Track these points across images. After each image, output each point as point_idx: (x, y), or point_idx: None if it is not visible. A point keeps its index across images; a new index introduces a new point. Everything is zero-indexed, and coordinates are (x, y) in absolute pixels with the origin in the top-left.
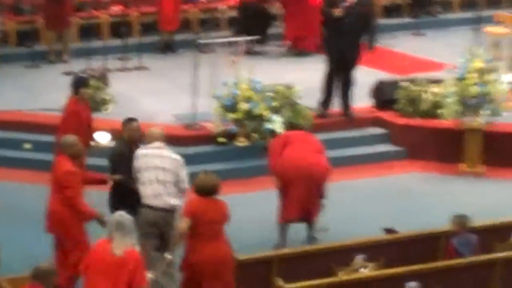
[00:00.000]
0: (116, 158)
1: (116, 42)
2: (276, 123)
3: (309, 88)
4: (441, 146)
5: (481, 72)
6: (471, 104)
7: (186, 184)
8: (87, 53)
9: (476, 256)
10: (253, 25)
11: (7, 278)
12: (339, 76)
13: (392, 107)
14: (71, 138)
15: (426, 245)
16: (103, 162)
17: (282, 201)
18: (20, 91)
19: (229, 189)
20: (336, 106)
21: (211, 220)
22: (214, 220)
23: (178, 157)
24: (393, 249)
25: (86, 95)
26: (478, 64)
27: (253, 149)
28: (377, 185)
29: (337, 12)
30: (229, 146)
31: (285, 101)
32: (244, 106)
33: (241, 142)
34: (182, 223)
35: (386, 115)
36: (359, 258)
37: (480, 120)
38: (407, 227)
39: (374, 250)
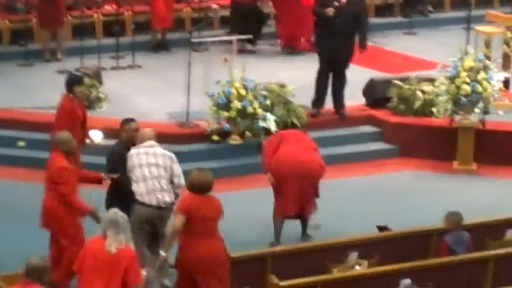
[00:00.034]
0: (114, 159)
1: (110, 40)
2: (269, 122)
3: (302, 86)
4: (433, 144)
5: (473, 71)
6: (463, 102)
7: (181, 179)
8: (81, 52)
9: (469, 254)
10: (246, 24)
11: (1, 276)
12: (332, 75)
13: (384, 105)
14: (64, 134)
15: (419, 242)
16: (97, 159)
17: (278, 197)
18: (13, 90)
19: (222, 187)
20: (328, 104)
21: (206, 217)
22: (209, 217)
23: (170, 154)
24: (386, 247)
25: (80, 94)
26: (470, 63)
27: (246, 147)
28: (370, 183)
29: (329, 11)
30: (222, 144)
31: (278, 100)
32: (237, 104)
33: (235, 140)
34: (176, 220)
35: (379, 114)
36: (353, 256)
37: (472, 118)
38: (400, 224)
39: (368, 248)
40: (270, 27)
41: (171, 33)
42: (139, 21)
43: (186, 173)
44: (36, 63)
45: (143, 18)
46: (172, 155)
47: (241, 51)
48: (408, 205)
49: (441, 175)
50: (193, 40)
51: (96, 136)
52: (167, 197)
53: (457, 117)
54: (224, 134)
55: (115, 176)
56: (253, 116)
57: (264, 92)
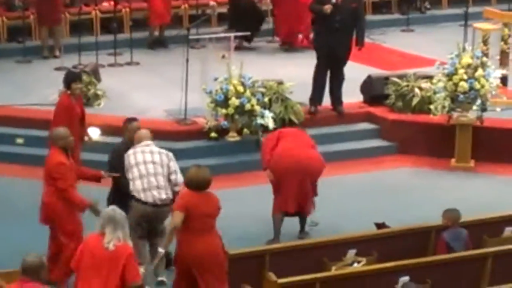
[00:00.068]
0: (116, 158)
1: (107, 37)
2: (267, 119)
3: (300, 83)
4: (431, 141)
5: (470, 68)
6: (460, 99)
7: (179, 176)
8: (79, 49)
9: (467, 251)
10: (243, 21)
11: None
12: (330, 72)
13: (382, 102)
14: (62, 130)
15: (417, 239)
16: (95, 157)
17: (278, 194)
18: (11, 86)
19: (220, 184)
20: (326, 101)
21: (204, 214)
22: (207, 213)
23: (167, 151)
24: (384, 244)
25: (78, 90)
26: (467, 60)
27: (244, 144)
28: (368, 180)
29: (327, 9)
30: (220, 141)
31: (276, 97)
32: (235, 101)
33: (232, 137)
34: (175, 218)
35: (377, 111)
36: (351, 253)
37: (469, 115)
38: (398, 222)
39: (366, 245)
40: (267, 24)
41: (168, 30)
42: (137, 18)
43: (184, 170)
44: (34, 60)
45: (140, 15)
46: (169, 153)
47: (239, 48)
48: (406, 202)
49: (439, 172)
50: (191, 37)
51: (94, 133)
52: (164, 194)
53: (455, 114)
54: (222, 131)
55: (115, 174)
56: (251, 113)
57: (262, 89)
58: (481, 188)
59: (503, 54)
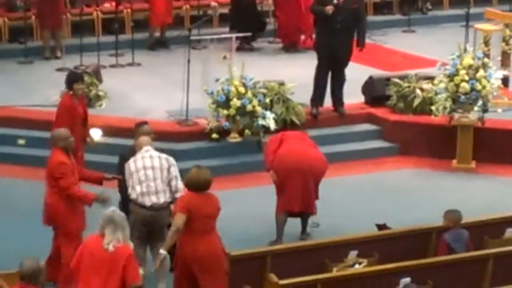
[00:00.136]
0: (123, 162)
1: (109, 38)
2: (269, 120)
3: (301, 84)
4: (432, 142)
5: (472, 68)
6: (462, 100)
7: (179, 183)
8: (80, 50)
9: (468, 252)
10: (245, 21)
11: (0, 274)
12: (331, 73)
13: (383, 103)
14: (63, 131)
15: (418, 241)
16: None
17: (281, 194)
18: (13, 87)
19: (222, 185)
20: (327, 102)
21: (205, 215)
22: (208, 214)
23: (167, 156)
24: (385, 245)
25: (80, 91)
26: (469, 61)
27: (245, 145)
28: (369, 181)
29: (329, 9)
30: (221, 142)
31: (277, 98)
32: (236, 102)
33: (234, 138)
34: (177, 219)
35: (378, 112)
36: (352, 254)
37: (471, 116)
38: (399, 223)
39: (367, 246)
40: (269, 25)
41: (170, 30)
42: (138, 19)
43: (185, 171)
44: (36, 60)
45: (142, 16)
46: (170, 157)
47: (241, 49)
48: (407, 203)
49: (440, 173)
50: (192, 37)
51: (95, 134)
52: (162, 198)
53: (456, 115)
54: (223, 132)
55: (116, 177)
56: (253, 114)
57: (263, 90)
58: (482, 189)
59: (505, 55)
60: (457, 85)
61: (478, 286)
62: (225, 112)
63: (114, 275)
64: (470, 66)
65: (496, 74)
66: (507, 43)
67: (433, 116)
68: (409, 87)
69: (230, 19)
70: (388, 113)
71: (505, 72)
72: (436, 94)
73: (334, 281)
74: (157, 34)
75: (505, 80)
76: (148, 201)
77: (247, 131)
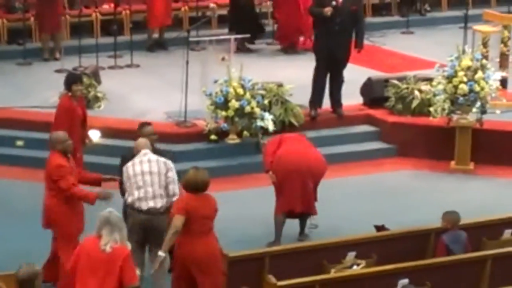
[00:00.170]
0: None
1: (108, 39)
2: (267, 121)
3: (300, 86)
4: (431, 143)
5: (470, 70)
6: (460, 102)
7: (176, 187)
8: (79, 51)
9: (466, 253)
10: (244, 23)
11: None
12: (329, 75)
13: (381, 105)
14: (61, 133)
15: (417, 242)
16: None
17: (280, 195)
18: (12, 89)
19: (220, 186)
20: (326, 104)
21: (203, 216)
22: (206, 215)
23: (165, 160)
24: (383, 246)
25: (78, 92)
26: (467, 62)
27: (244, 147)
28: (368, 182)
29: (327, 11)
30: (220, 144)
31: (276, 99)
32: (235, 103)
33: (232, 140)
34: (176, 221)
35: (376, 113)
36: (351, 255)
37: (469, 118)
38: (398, 224)
39: (365, 247)
40: (267, 26)
41: (169, 32)
42: (137, 20)
43: (183, 172)
44: (35, 62)
45: (140, 17)
46: (168, 161)
47: (239, 50)
48: (406, 204)
49: (439, 174)
50: (191, 39)
51: (94, 135)
52: (159, 203)
53: (455, 117)
54: (221, 134)
55: (114, 178)
56: (251, 116)
57: (262, 92)
58: (481, 191)
59: (503, 57)
60: (456, 87)
61: (477, 287)
62: (224, 113)
63: (111, 276)
64: (468, 68)
65: (495, 76)
66: (505, 45)
67: (432, 118)
68: (407, 88)
69: (229, 21)
70: (387, 115)
71: (504, 74)
72: (435, 95)
73: (332, 282)
74: (156, 35)
75: (503, 82)
76: (145, 205)
77: (245, 133)
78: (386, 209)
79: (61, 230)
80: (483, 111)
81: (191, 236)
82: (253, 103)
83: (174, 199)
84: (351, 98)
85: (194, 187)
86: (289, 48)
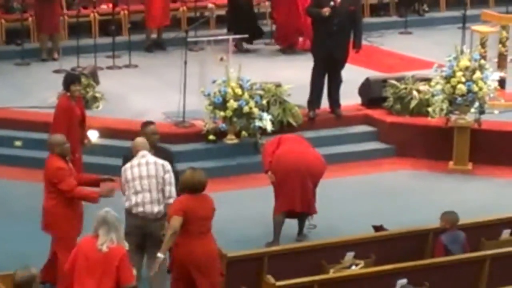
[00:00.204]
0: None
1: (106, 40)
2: (266, 121)
3: (298, 86)
4: (429, 144)
5: (468, 70)
6: (458, 102)
7: (173, 189)
8: (77, 51)
9: (465, 254)
10: (242, 23)
11: None
12: (328, 75)
13: (380, 105)
14: (58, 136)
15: (415, 242)
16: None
17: (280, 195)
18: (10, 89)
19: (219, 186)
20: (324, 104)
21: (202, 217)
22: (204, 216)
23: (163, 162)
24: (382, 247)
25: (77, 92)
26: (465, 62)
27: (242, 147)
28: (366, 182)
29: (325, 11)
30: (218, 144)
31: (274, 99)
32: (233, 104)
33: (231, 140)
34: (174, 222)
35: (375, 113)
36: (349, 256)
37: (467, 118)
38: (396, 224)
39: (364, 248)
40: (266, 26)
41: (167, 32)
42: (135, 21)
43: (181, 172)
44: (33, 62)
45: (139, 18)
46: (166, 163)
47: (238, 50)
48: (404, 204)
49: (437, 174)
50: (189, 39)
51: (92, 135)
52: (156, 208)
53: (453, 117)
54: (220, 134)
55: (111, 178)
56: (249, 116)
57: (260, 92)
58: (479, 191)
59: (501, 57)
60: (454, 87)
61: (475, 287)
62: (222, 113)
63: (108, 276)
64: (466, 68)
65: (493, 76)
66: (503, 45)
67: (430, 118)
68: (405, 88)
69: (227, 21)
70: (385, 115)
71: (502, 74)
72: (433, 95)
73: (330, 282)
74: (154, 35)
75: (501, 82)
76: (142, 211)
77: (244, 133)
78: (384, 209)
79: (61, 232)
80: (481, 111)
81: (189, 237)
82: (252, 103)
83: (170, 201)
84: (349, 98)
85: (191, 187)
86: (288, 48)
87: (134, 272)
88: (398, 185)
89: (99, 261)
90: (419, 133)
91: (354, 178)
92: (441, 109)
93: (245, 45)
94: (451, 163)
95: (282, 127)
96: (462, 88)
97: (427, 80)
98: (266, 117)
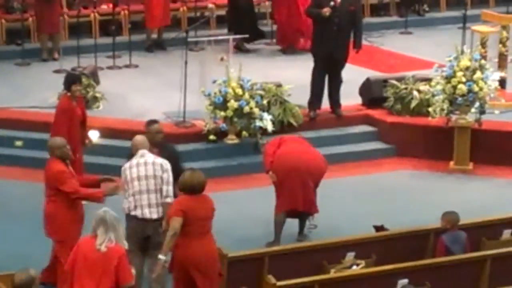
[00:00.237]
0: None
1: (106, 40)
2: (266, 121)
3: (298, 86)
4: (430, 144)
5: (469, 70)
6: (459, 102)
7: (170, 188)
8: (77, 51)
9: (465, 254)
10: (242, 23)
11: None
12: (328, 76)
13: (380, 105)
14: (58, 139)
15: (416, 242)
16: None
17: (281, 194)
18: (10, 89)
19: (219, 186)
20: (325, 104)
21: (202, 217)
22: (204, 217)
23: (162, 161)
24: (383, 247)
25: (77, 92)
26: (466, 62)
27: (243, 147)
28: (367, 182)
29: (326, 11)
30: (219, 144)
31: (274, 99)
32: (234, 104)
33: (231, 140)
34: (174, 223)
35: (375, 113)
36: (350, 256)
37: (468, 118)
38: (397, 224)
39: (365, 248)
40: (266, 27)
41: (167, 32)
42: (135, 21)
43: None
44: (33, 62)
45: (139, 18)
46: (165, 161)
47: (238, 50)
48: (405, 204)
49: (438, 174)
50: (190, 39)
51: (93, 135)
52: (155, 214)
53: (453, 117)
54: (220, 134)
55: (111, 178)
56: (250, 116)
57: (261, 92)
58: (480, 191)
59: (502, 57)
60: (454, 87)
61: (476, 287)
62: (223, 113)
63: (107, 275)
64: (467, 68)
65: (493, 76)
66: (504, 45)
67: (430, 118)
68: (406, 88)
69: (228, 21)
70: (386, 115)
71: (502, 74)
72: (433, 95)
73: (331, 282)
74: (154, 35)
75: (502, 82)
76: (140, 213)
77: (244, 133)
78: (385, 209)
79: (63, 235)
80: (481, 111)
81: (190, 238)
82: (252, 104)
83: (167, 200)
84: (349, 98)
85: (191, 188)
86: (289, 48)
87: (133, 271)
88: (399, 185)
89: (98, 261)
90: (419, 133)
91: (354, 178)
92: (442, 109)
93: (246, 45)
94: (451, 163)
95: (282, 127)
96: (462, 88)
97: (428, 80)
98: (267, 117)
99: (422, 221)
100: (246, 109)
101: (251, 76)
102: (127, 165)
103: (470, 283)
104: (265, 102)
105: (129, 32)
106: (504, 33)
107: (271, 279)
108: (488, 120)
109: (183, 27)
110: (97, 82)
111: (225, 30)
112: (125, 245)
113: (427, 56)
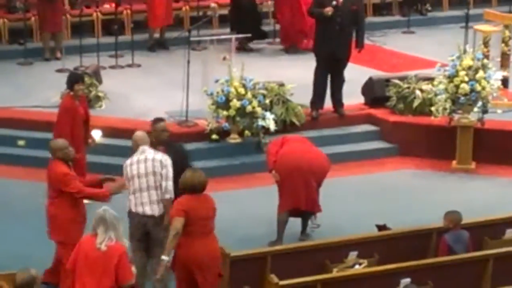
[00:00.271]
0: None
1: (109, 39)
2: (269, 120)
3: (301, 85)
4: (432, 143)
5: (471, 69)
6: (461, 101)
7: (169, 184)
8: (80, 51)
9: (468, 253)
10: (245, 22)
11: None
12: (330, 75)
13: (383, 104)
14: (60, 141)
15: (418, 241)
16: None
17: (284, 193)
18: (13, 88)
19: (221, 186)
20: (327, 103)
21: (203, 217)
22: (206, 216)
23: (162, 157)
24: (385, 246)
25: (80, 92)
26: (468, 62)
27: (245, 146)
28: (369, 182)
29: (328, 11)
30: (221, 143)
31: (277, 98)
32: (236, 103)
33: (234, 139)
34: (176, 223)
35: (378, 112)
36: (353, 255)
37: (470, 117)
38: (399, 223)
39: (367, 247)
40: (268, 26)
41: (170, 31)
42: (138, 20)
43: None
44: (36, 61)
45: (141, 17)
46: (165, 157)
47: (241, 49)
48: (407, 204)
49: (440, 174)
50: (192, 38)
51: (96, 135)
52: (157, 212)
53: (456, 116)
54: (223, 133)
55: (112, 177)
56: (252, 115)
57: (263, 91)
58: (483, 190)
59: (504, 56)
60: (457, 86)
61: (478, 287)
62: (225, 113)
63: (107, 274)
64: (469, 67)
65: (496, 75)
66: (506, 44)
67: (433, 117)
68: (408, 88)
69: (230, 20)
70: (388, 114)
71: (505, 73)
72: (436, 95)
73: (334, 281)
74: (157, 35)
75: (504, 81)
76: (141, 210)
77: (247, 132)
78: (387, 209)
79: (66, 236)
80: (484, 110)
81: (192, 238)
82: (255, 103)
83: (166, 196)
84: (352, 97)
85: (192, 188)
86: (291, 48)
87: (134, 270)
88: (401, 184)
89: (99, 259)
90: (422, 133)
91: (357, 178)
92: (444, 109)
93: (249, 45)
94: (454, 162)
95: (285, 126)
96: (465, 87)
97: (430, 79)
98: (269, 116)
99: (425, 220)
100: (249, 108)
101: (253, 75)
102: (128, 161)
103: (473, 282)
104: (267, 101)
105: (132, 32)
106: (507, 32)
107: (274, 278)
108: (490, 119)
109: (185, 26)
110: (100, 82)
111: (228, 30)
112: (125, 243)
113: (429, 56)
